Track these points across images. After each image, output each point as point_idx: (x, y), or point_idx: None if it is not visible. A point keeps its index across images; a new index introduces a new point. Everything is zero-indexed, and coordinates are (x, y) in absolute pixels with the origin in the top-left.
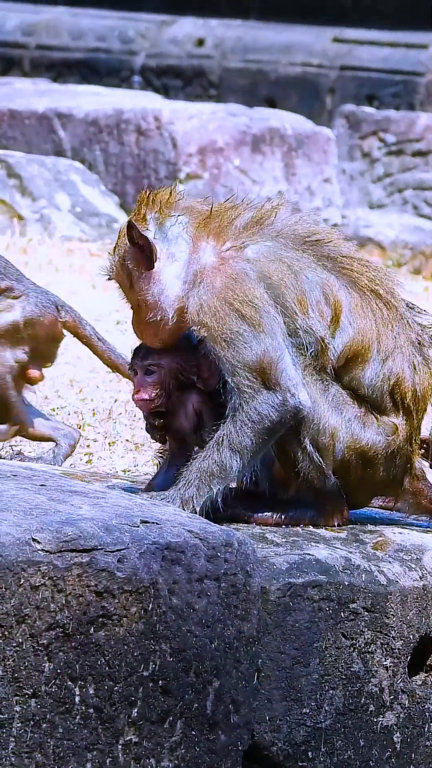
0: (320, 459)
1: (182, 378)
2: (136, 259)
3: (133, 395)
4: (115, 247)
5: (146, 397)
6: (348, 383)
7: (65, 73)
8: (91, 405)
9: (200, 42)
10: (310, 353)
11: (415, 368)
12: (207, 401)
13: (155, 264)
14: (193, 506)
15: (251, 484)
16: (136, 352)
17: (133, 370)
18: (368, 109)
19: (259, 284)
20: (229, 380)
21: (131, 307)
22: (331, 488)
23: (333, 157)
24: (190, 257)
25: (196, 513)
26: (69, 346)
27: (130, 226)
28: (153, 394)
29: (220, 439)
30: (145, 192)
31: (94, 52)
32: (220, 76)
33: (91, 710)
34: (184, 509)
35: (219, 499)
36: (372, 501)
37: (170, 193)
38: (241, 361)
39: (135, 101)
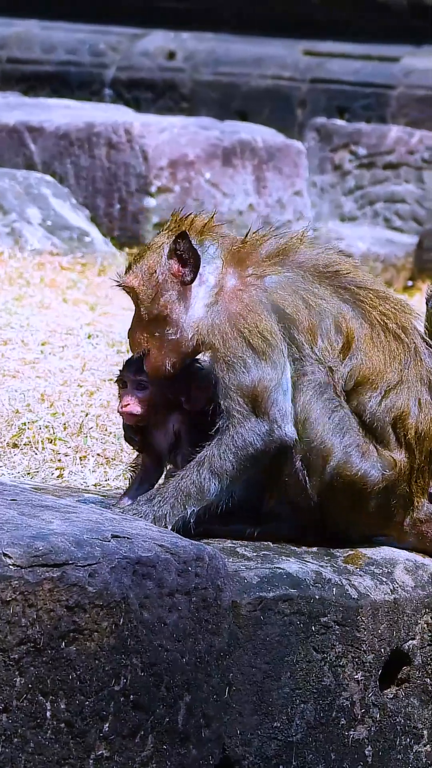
0: (306, 477)
1: (170, 396)
2: (173, 272)
3: (119, 407)
4: (141, 256)
5: (135, 411)
6: (355, 408)
7: (36, 87)
8: (62, 419)
9: (171, 55)
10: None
11: (420, 406)
12: (188, 422)
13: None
14: (165, 524)
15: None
16: (129, 365)
17: (122, 383)
18: (339, 122)
19: (272, 315)
20: (222, 402)
21: (145, 318)
22: (308, 505)
23: (304, 170)
24: (217, 281)
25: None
26: (40, 360)
27: (182, 236)
28: (140, 410)
29: (202, 460)
30: (183, 214)
31: (65, 65)
32: (192, 89)
33: (63, 725)
34: (155, 525)
35: (192, 521)
36: (370, 537)
37: (209, 219)
38: (236, 385)
39: (106, 114)
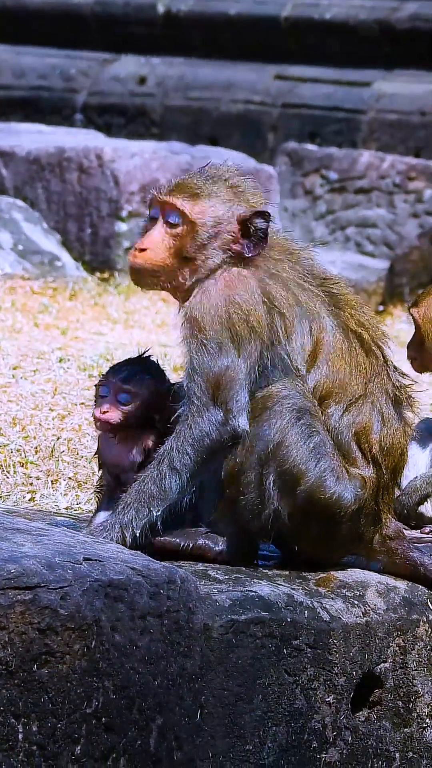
0: (277, 496)
1: (147, 413)
2: (234, 236)
3: (97, 411)
4: (207, 194)
5: (113, 419)
6: (324, 423)
7: (7, 112)
8: (34, 443)
9: (142, 80)
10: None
11: (384, 420)
12: (158, 441)
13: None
14: (133, 530)
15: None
16: (117, 371)
17: (105, 387)
18: (310, 147)
19: (262, 305)
20: (185, 383)
21: (183, 248)
22: (259, 529)
23: (275, 195)
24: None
25: (135, 537)
26: (11, 384)
27: (266, 216)
28: (119, 420)
29: (162, 457)
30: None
31: (36, 90)
32: (162, 114)
33: (35, 747)
34: (124, 534)
35: (159, 522)
36: (341, 559)
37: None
38: (202, 368)
39: (77, 139)
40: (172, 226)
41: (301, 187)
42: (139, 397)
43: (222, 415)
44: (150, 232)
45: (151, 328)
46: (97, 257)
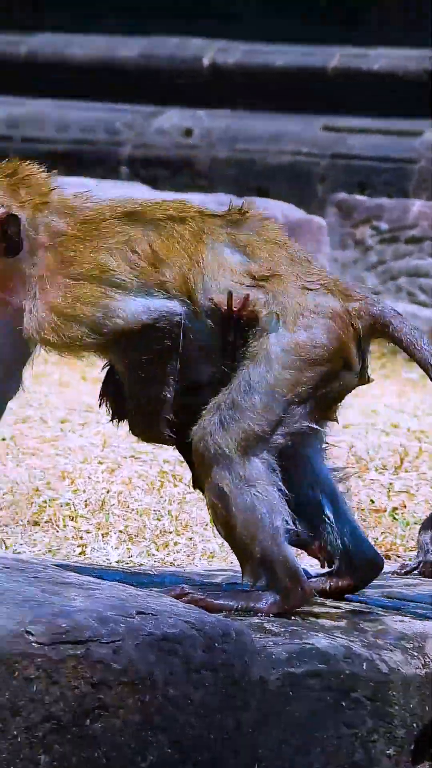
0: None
1: None
2: None
3: None
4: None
5: None
6: None
7: (51, 166)
8: (83, 496)
9: (188, 132)
10: None
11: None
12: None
13: None
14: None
15: None
16: None
17: None
18: (360, 197)
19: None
20: None
21: None
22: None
23: (325, 246)
24: None
25: None
26: (60, 437)
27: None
28: None
29: None
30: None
31: (79, 144)
32: (209, 166)
33: None
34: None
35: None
36: None
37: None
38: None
39: (122, 192)
40: None
41: (351, 237)
42: None
43: None
44: None
45: None
46: None
